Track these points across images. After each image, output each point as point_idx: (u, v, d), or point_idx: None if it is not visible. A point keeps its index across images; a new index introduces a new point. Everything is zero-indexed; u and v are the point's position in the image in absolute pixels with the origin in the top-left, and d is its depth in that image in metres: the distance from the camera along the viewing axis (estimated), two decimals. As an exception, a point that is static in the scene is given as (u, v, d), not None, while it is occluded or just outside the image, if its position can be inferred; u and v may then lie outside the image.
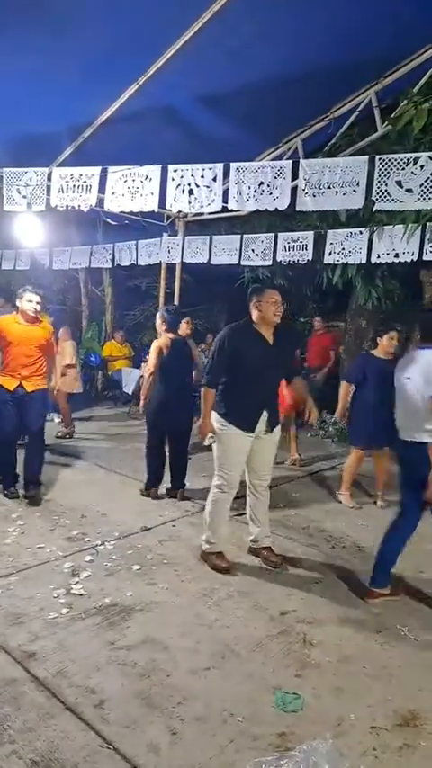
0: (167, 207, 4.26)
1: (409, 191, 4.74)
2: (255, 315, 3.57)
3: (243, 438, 3.53)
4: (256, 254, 6.81)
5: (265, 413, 3.54)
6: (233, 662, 2.67)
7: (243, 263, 6.96)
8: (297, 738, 2.18)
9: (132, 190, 4.13)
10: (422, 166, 4.64)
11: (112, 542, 3.92)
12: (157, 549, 3.87)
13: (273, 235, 6.75)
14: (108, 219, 7.20)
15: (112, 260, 7.82)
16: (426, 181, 4.72)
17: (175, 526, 4.32)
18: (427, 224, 5.98)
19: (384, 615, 3.17)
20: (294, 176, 4.55)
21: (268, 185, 4.38)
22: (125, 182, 4.11)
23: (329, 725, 2.27)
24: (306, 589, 3.43)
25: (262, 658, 2.71)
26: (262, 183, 4.37)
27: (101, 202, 4.22)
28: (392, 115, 5.66)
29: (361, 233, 6.35)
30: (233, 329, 3.57)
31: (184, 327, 6.43)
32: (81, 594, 3.19)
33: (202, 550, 3.70)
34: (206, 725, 2.25)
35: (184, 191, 4.18)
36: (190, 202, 4.27)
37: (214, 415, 3.57)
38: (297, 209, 4.45)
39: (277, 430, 3.69)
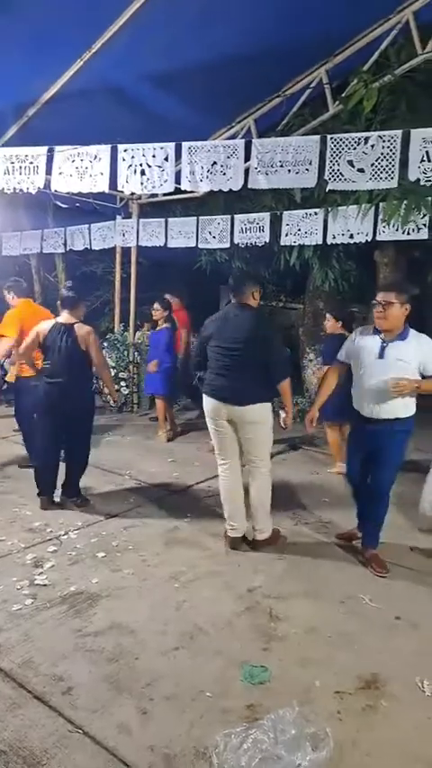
0: (119, 188, 4.16)
1: (360, 170, 4.78)
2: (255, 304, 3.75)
3: None
4: (213, 237, 6.77)
5: None
6: (201, 641, 2.70)
7: (200, 245, 6.90)
8: (265, 709, 2.23)
9: (81, 170, 4.01)
10: (372, 146, 4.68)
11: (76, 531, 3.88)
12: (123, 535, 3.86)
13: (229, 217, 6.71)
14: (58, 202, 6.99)
15: (65, 245, 7.63)
16: (377, 161, 4.77)
17: (140, 512, 4.30)
18: (380, 204, 6.07)
19: (347, 586, 3.25)
20: (248, 156, 4.54)
21: (221, 165, 4.34)
22: (73, 161, 3.99)
23: (296, 693, 2.33)
24: (272, 566, 3.49)
25: (230, 635, 2.75)
26: (215, 162, 4.32)
27: (49, 184, 4.09)
28: (343, 95, 5.68)
29: (316, 214, 6.38)
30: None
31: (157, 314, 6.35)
32: (45, 585, 3.15)
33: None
34: (176, 703, 2.27)
35: (135, 171, 4.09)
36: (142, 183, 4.19)
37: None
38: (249, 186, 4.43)
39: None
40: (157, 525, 4.02)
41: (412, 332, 3.33)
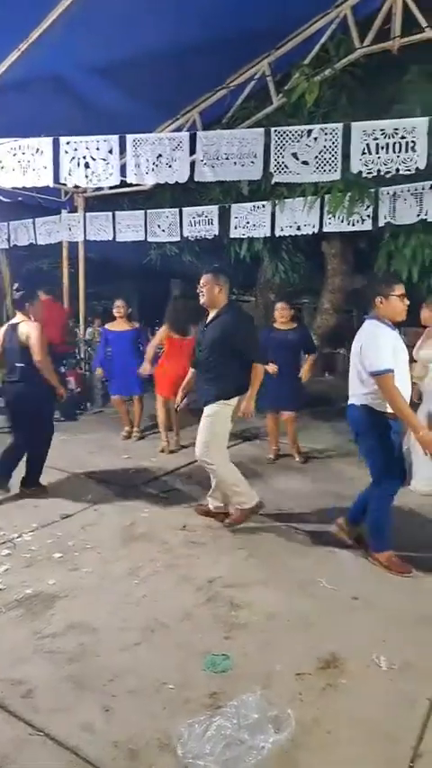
0: (62, 181, 4.08)
1: (305, 163, 4.86)
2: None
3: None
4: (163, 230, 6.74)
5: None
6: (162, 634, 2.70)
7: (149, 239, 6.86)
8: (227, 696, 2.25)
9: (24, 164, 3.92)
10: (315, 139, 4.76)
11: (30, 533, 3.80)
12: (80, 534, 3.80)
13: (177, 210, 6.69)
14: (0, 197, 6.79)
15: (8, 240, 7.41)
16: (320, 153, 4.86)
17: (97, 510, 4.25)
18: (326, 196, 6.19)
19: (305, 571, 3.32)
20: (194, 149, 4.53)
21: (167, 158, 4.33)
22: (14, 155, 3.89)
23: (258, 679, 2.37)
24: (231, 555, 3.52)
25: (191, 627, 2.76)
26: (160, 155, 4.30)
27: (-9, 178, 3.97)
28: (286, 88, 5.75)
29: (264, 206, 6.45)
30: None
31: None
32: (0, 589, 3.07)
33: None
34: (139, 697, 2.27)
35: (79, 164, 4.03)
36: (87, 176, 4.13)
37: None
38: (196, 179, 4.44)
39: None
40: (114, 522, 3.99)
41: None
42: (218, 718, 2.10)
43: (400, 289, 3.25)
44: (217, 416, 3.75)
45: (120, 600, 2.98)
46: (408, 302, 3.31)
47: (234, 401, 3.75)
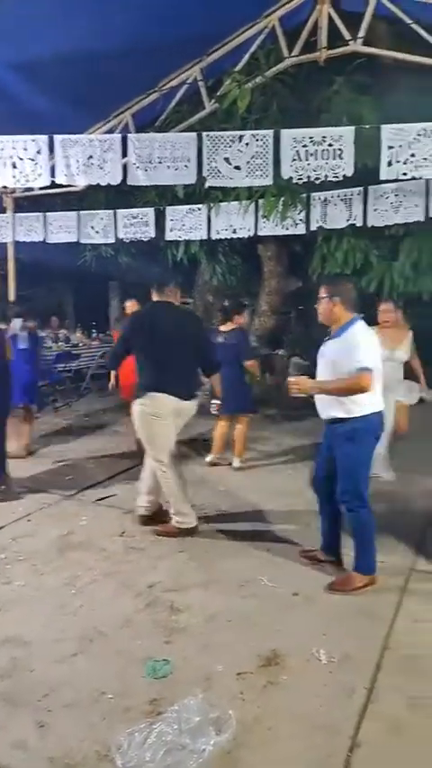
0: (-12, 180, 3.93)
1: (237, 168, 4.93)
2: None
3: None
4: (96, 232, 6.63)
5: None
6: (101, 643, 2.63)
7: (83, 240, 6.73)
8: (168, 701, 2.22)
9: None
10: (247, 144, 4.85)
11: (-40, 547, 3.62)
12: (12, 546, 3.65)
13: (112, 211, 6.61)
14: None
15: None
16: (252, 158, 4.95)
17: (31, 520, 4.11)
18: (260, 200, 6.30)
19: (245, 571, 3.33)
20: (126, 152, 4.49)
21: (98, 159, 4.27)
22: None
23: (199, 681, 2.35)
24: (171, 559, 3.48)
25: (130, 633, 2.71)
26: (91, 156, 4.24)
27: None
28: (218, 93, 5.81)
29: (199, 209, 6.49)
30: None
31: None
32: None
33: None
34: (76, 710, 2.19)
35: (5, 164, 3.90)
36: (14, 176, 4.00)
37: None
38: (129, 182, 4.42)
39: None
40: (49, 532, 3.86)
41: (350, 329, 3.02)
42: (158, 724, 2.07)
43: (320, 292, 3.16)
44: None
45: (55, 611, 2.89)
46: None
47: None
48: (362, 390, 2.85)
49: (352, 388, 2.86)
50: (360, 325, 3.03)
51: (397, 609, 2.91)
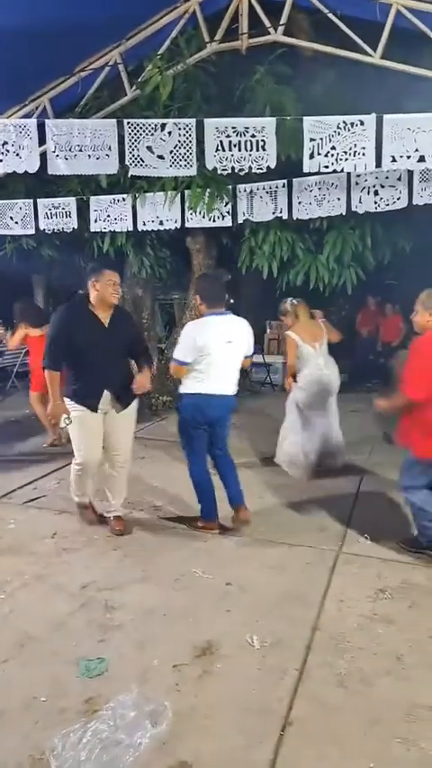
0: None
1: (160, 157, 4.86)
2: (92, 295, 3.49)
3: (91, 417, 3.52)
4: (16, 222, 6.35)
5: (106, 392, 3.54)
6: (33, 647, 2.57)
7: (1, 231, 6.42)
8: (104, 699, 2.21)
9: None
10: (170, 133, 4.79)
11: None
12: None
13: (31, 201, 6.34)
14: None
15: None
16: (175, 147, 4.89)
17: None
18: (186, 191, 6.25)
19: (180, 564, 3.35)
20: (45, 138, 4.31)
21: (13, 145, 4.08)
22: None
23: (135, 677, 2.35)
24: (105, 558, 3.44)
25: (64, 635, 2.67)
26: (6, 142, 4.05)
27: None
28: (139, 80, 5.69)
29: (124, 200, 6.35)
30: (68, 310, 3.56)
31: None
32: None
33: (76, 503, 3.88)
34: (7, 717, 2.14)
35: None
36: None
37: (66, 399, 3.55)
38: (50, 172, 4.25)
39: (131, 408, 3.70)
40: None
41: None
42: (94, 722, 2.06)
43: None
44: None
45: (-17, 619, 2.79)
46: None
47: None
48: (175, 375, 3.69)
49: (172, 373, 3.72)
50: (193, 322, 3.62)
51: (326, 591, 3.04)
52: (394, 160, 4.87)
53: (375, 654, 2.52)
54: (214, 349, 3.48)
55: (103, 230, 6.43)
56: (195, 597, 3.00)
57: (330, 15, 5.16)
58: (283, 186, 5.99)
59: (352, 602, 2.93)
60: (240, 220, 6.21)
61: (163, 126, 4.69)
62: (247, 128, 5.00)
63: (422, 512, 3.29)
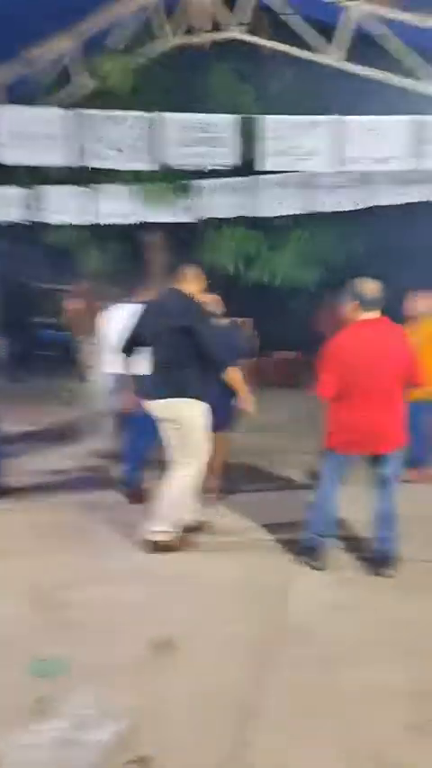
0: None
1: (119, 150, 4.78)
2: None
3: None
4: None
5: None
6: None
7: None
8: (60, 699, 2.12)
9: None
10: (129, 126, 4.71)
11: None
12: None
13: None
14: None
15: None
16: (134, 141, 4.81)
17: None
18: (147, 185, 6.18)
19: (138, 560, 3.27)
20: None
21: None
22: None
23: (92, 674, 2.26)
24: (60, 556, 3.30)
25: (16, 637, 2.54)
26: None
27: None
28: (96, 70, 5.60)
29: (80, 192, 6.20)
30: None
31: None
32: None
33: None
34: None
35: None
36: None
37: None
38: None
39: None
40: None
41: None
42: (48, 722, 1.97)
43: None
44: None
45: None
46: None
47: None
48: None
49: None
50: None
51: (286, 583, 3.01)
52: (355, 161, 4.95)
53: (338, 642, 2.52)
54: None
55: (57, 222, 6.27)
56: (154, 592, 2.92)
57: (291, 17, 5.23)
58: (245, 184, 6.01)
59: (313, 593, 2.91)
60: (201, 217, 6.20)
61: (122, 119, 4.63)
62: (209, 123, 4.99)
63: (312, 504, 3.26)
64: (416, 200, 5.53)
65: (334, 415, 3.12)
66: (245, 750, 1.93)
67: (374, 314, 3.06)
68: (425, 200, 5.55)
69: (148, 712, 2.08)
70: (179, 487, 3.27)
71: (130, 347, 3.35)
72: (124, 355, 3.40)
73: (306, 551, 3.20)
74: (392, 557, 3.10)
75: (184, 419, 3.22)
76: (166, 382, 3.20)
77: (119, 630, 2.59)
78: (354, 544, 3.43)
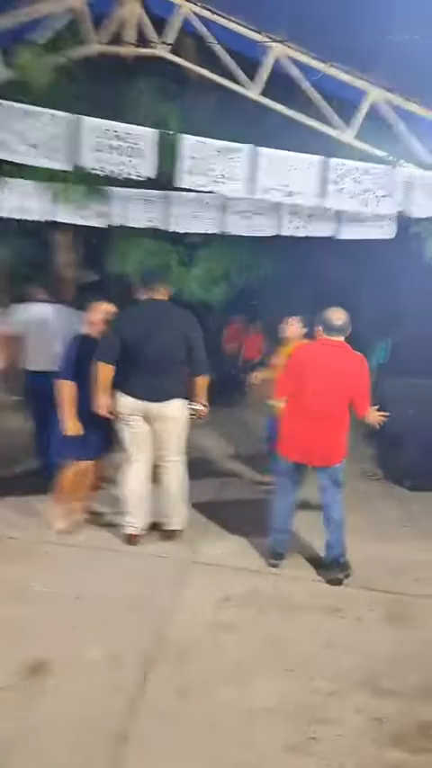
0: None
1: (33, 146, 4.60)
2: None
3: None
4: None
5: None
6: None
7: None
8: None
9: None
10: (46, 123, 4.55)
11: None
12: None
13: None
14: None
15: None
16: (50, 139, 4.65)
17: None
18: (59, 184, 5.97)
19: (19, 577, 3.13)
20: None
21: None
22: None
23: None
24: None
25: None
26: None
27: None
28: (17, 63, 5.37)
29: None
30: None
31: None
32: None
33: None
34: None
35: None
36: None
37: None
38: None
39: None
40: None
41: None
42: None
43: None
44: None
45: None
46: None
47: None
48: None
49: None
50: None
51: (173, 602, 3.01)
52: (267, 191, 5.15)
53: (217, 662, 2.55)
54: None
55: None
56: (34, 612, 2.82)
57: (214, 46, 5.36)
58: (160, 197, 6.02)
59: (197, 612, 2.94)
60: (113, 223, 6.10)
61: (39, 115, 4.46)
62: (129, 133, 4.95)
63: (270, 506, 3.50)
64: (314, 235, 5.86)
65: (284, 422, 3.43)
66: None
67: (337, 339, 3.32)
68: (324, 235, 5.88)
69: (14, 742, 2.00)
70: (180, 479, 3.68)
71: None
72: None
73: (269, 552, 3.45)
74: (338, 562, 3.32)
75: (181, 418, 3.58)
76: (163, 385, 3.50)
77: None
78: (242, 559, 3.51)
